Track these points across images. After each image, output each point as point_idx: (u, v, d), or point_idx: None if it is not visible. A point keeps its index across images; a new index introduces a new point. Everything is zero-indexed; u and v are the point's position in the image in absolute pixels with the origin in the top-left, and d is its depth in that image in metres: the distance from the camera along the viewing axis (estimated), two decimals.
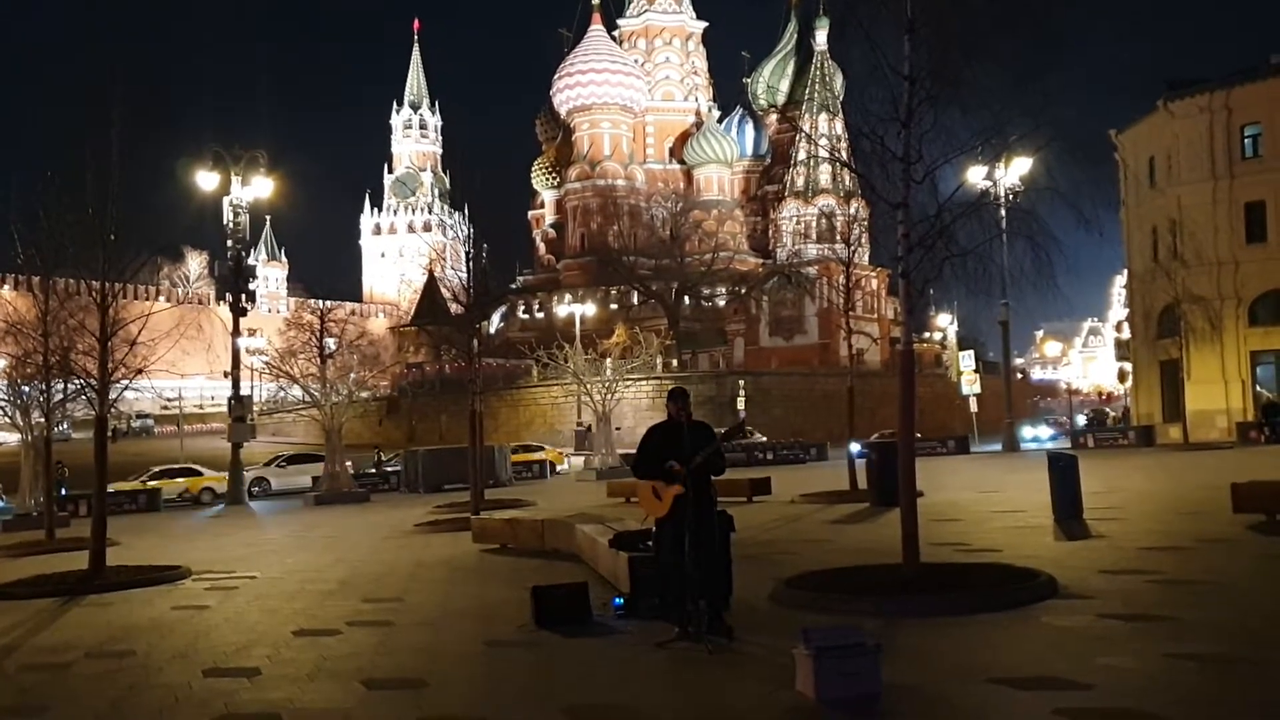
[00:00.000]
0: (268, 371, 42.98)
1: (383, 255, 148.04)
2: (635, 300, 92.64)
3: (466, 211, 27.76)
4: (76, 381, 19.78)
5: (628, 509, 19.29)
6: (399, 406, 78.87)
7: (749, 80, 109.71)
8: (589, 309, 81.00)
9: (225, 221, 38.63)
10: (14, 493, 30.78)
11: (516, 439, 59.87)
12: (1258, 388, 43.82)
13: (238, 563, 17.42)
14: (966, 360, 53.09)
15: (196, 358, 45.00)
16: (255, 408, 59.02)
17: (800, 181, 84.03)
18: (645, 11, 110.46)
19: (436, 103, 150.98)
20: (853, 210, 25.44)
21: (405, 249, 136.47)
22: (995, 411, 55.84)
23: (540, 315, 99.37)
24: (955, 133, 11.14)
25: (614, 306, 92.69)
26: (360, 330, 51.13)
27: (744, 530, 13.25)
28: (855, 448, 25.77)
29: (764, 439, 51.68)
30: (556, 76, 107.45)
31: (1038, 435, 51.40)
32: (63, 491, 32.51)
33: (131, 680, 8.79)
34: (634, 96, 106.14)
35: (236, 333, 39.00)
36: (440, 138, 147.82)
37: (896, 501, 11.50)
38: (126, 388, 17.63)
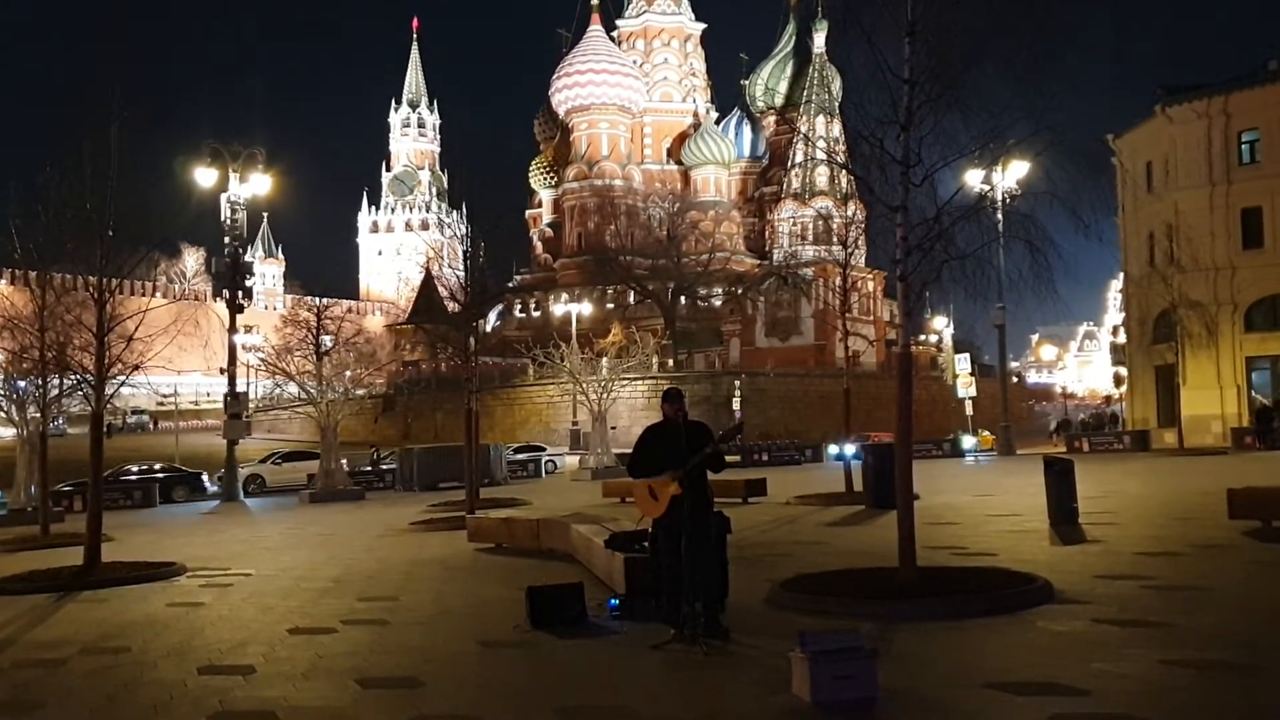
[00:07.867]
0: (264, 368, 42.96)
1: (380, 253, 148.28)
2: (631, 300, 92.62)
3: (464, 210, 27.71)
4: (73, 377, 19.78)
5: (623, 509, 19.27)
6: (394, 404, 78.80)
7: (747, 82, 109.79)
8: (585, 308, 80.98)
9: (223, 218, 38.63)
10: (9, 487, 30.72)
11: (512, 438, 59.84)
12: (1253, 393, 43.85)
13: (233, 560, 17.42)
14: (962, 363, 53.09)
15: (193, 354, 45.00)
16: (251, 404, 58.99)
17: (797, 183, 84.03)
18: (644, 13, 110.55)
19: (435, 101, 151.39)
20: (850, 212, 25.43)
21: (403, 247, 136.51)
22: (991, 414, 55.91)
23: (537, 314, 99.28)
24: (954, 136, 11.14)
25: (610, 306, 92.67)
26: (357, 328, 51.14)
27: (740, 532, 13.27)
28: (848, 449, 25.16)
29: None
30: (555, 76, 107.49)
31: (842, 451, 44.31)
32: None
33: (126, 677, 8.78)
34: (632, 97, 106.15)
35: (233, 329, 38.98)
36: (438, 136, 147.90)
37: (893, 504, 11.49)
38: (123, 384, 17.62)
